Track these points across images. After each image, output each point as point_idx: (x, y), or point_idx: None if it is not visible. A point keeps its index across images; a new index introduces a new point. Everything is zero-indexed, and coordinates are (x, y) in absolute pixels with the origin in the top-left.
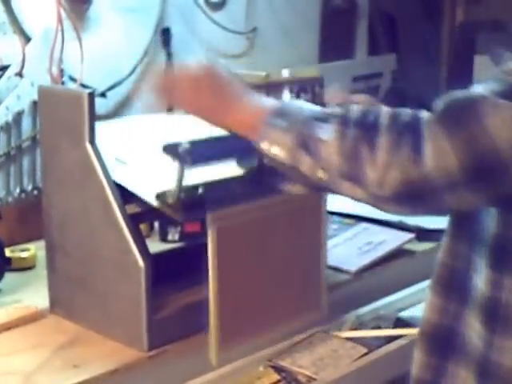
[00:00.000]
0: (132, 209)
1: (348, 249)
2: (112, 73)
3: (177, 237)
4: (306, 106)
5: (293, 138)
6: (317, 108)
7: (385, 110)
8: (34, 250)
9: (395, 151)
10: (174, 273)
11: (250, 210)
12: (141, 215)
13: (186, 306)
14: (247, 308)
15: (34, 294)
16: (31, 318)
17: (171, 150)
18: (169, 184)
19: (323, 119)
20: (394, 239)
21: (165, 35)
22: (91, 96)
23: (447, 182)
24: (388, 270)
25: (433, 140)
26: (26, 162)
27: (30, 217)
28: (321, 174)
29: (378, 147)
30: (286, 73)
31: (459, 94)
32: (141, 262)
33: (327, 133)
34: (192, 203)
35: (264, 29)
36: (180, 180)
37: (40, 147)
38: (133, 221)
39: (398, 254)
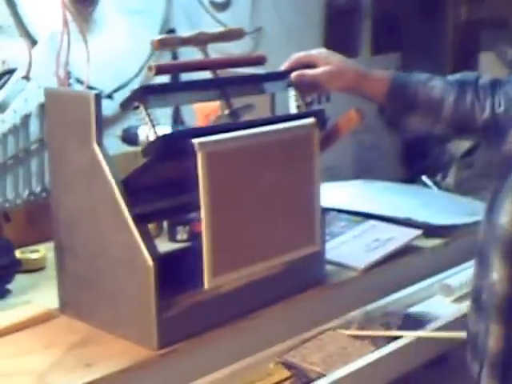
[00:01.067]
0: (141, 209)
1: (356, 246)
2: (118, 74)
3: (185, 236)
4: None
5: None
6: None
7: None
8: (44, 251)
9: None
10: (182, 272)
11: (238, 139)
12: (149, 215)
13: (195, 304)
14: (240, 236)
15: (45, 295)
16: (42, 318)
17: None
18: None
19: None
20: (401, 236)
21: None
22: (98, 97)
23: None
24: (396, 267)
25: None
26: (34, 164)
27: (39, 218)
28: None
29: None
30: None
31: None
32: (150, 262)
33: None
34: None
35: (268, 29)
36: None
37: (48, 149)
38: (141, 221)
39: (405, 250)
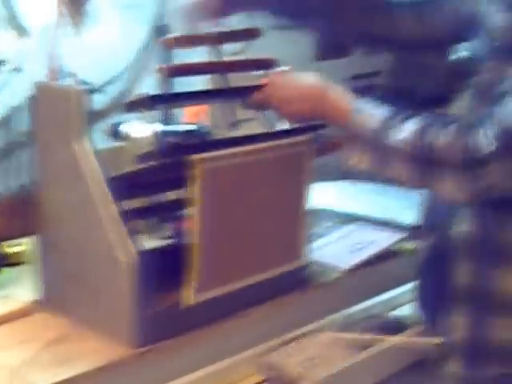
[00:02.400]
0: (124, 206)
1: (340, 247)
2: (109, 68)
3: (170, 233)
4: (369, 124)
5: (371, 157)
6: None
7: (441, 141)
8: (26, 245)
9: (458, 184)
10: (167, 269)
11: (234, 155)
12: (136, 212)
13: (177, 303)
14: (229, 252)
15: (25, 290)
16: (21, 313)
17: None
18: None
19: (387, 147)
20: (386, 238)
21: (162, 32)
22: (83, 93)
23: None
24: (379, 269)
25: (492, 175)
26: (24, 157)
27: (26, 211)
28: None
29: (442, 180)
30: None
31: (508, 122)
32: (130, 259)
33: (395, 165)
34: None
35: (261, 26)
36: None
37: (35, 143)
38: (127, 217)
39: (389, 253)
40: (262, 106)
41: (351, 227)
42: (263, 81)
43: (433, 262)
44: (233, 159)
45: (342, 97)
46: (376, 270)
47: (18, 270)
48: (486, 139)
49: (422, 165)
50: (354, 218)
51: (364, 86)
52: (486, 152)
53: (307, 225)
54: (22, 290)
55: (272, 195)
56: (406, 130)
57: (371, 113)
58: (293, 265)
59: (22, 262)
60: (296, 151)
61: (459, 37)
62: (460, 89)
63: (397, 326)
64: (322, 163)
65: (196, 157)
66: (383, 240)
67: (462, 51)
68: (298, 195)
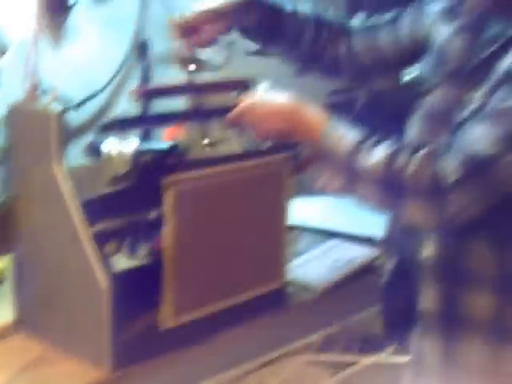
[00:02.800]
0: (99, 228)
1: (318, 265)
2: (88, 84)
3: (146, 253)
4: (340, 146)
5: (341, 179)
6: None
7: (408, 171)
8: (4, 263)
9: (425, 211)
10: (141, 290)
11: (207, 176)
12: (110, 233)
13: (152, 325)
14: (204, 275)
15: (2, 309)
16: None
17: None
18: None
19: (356, 172)
20: (364, 255)
21: (141, 48)
22: (60, 116)
23: None
24: (356, 288)
25: (458, 201)
26: (1, 173)
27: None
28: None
29: (407, 208)
30: (263, 86)
31: (470, 151)
32: (104, 284)
33: (364, 190)
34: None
35: (240, 41)
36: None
37: (12, 163)
38: (101, 239)
39: (366, 270)
40: (237, 126)
41: (330, 244)
42: (237, 101)
43: (398, 284)
44: (207, 180)
45: (314, 116)
46: (353, 289)
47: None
48: (450, 168)
49: (391, 191)
50: (333, 234)
51: (342, 101)
52: (450, 180)
53: (286, 244)
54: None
55: (249, 215)
56: (376, 156)
57: (343, 134)
58: (272, 285)
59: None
60: (273, 170)
61: (408, 60)
62: (411, 111)
63: (375, 346)
64: (299, 177)
65: (169, 179)
66: (361, 258)
67: (410, 73)
68: (277, 214)
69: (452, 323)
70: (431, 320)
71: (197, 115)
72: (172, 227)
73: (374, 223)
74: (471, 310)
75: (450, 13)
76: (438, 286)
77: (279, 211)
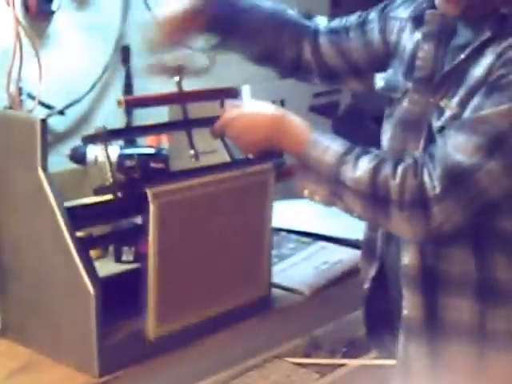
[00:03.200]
0: (84, 234)
1: (304, 269)
2: (71, 90)
3: (131, 257)
4: (325, 158)
5: (325, 190)
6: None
7: (392, 182)
8: None
9: (411, 223)
10: (127, 295)
11: (192, 187)
12: (93, 240)
13: (138, 330)
14: (188, 284)
15: None
16: None
17: None
18: None
19: (341, 183)
20: (350, 258)
21: (124, 53)
22: (44, 122)
23: None
24: (343, 290)
25: (443, 212)
26: None
27: None
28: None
29: (392, 220)
30: (246, 89)
31: (451, 161)
32: (91, 289)
33: (348, 200)
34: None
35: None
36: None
37: None
38: (84, 246)
39: (353, 272)
40: (221, 136)
41: (315, 248)
42: (220, 112)
43: (380, 290)
44: (189, 191)
45: (298, 127)
46: (339, 292)
47: None
48: (434, 179)
49: (376, 203)
50: (317, 237)
51: (325, 103)
52: (434, 192)
53: (270, 251)
54: None
55: (232, 224)
56: (361, 168)
57: (327, 146)
58: (256, 292)
59: None
60: (257, 180)
61: (380, 64)
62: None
63: (360, 349)
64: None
65: (151, 190)
66: (346, 261)
67: (380, 79)
68: (261, 223)
69: (436, 328)
70: (415, 326)
71: (182, 125)
72: (156, 237)
73: (359, 226)
74: (454, 315)
75: (418, 20)
76: (419, 292)
77: (263, 220)
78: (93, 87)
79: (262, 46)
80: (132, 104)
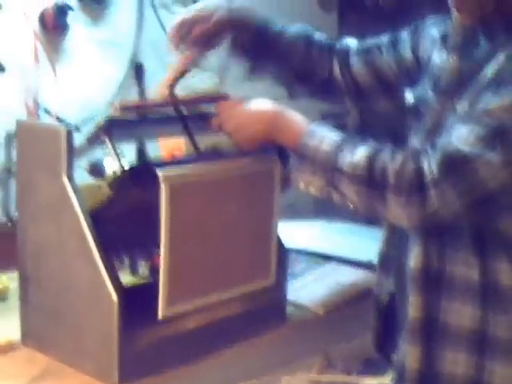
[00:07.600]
0: (108, 242)
1: (317, 288)
2: (86, 106)
3: (147, 271)
4: (322, 146)
5: (321, 180)
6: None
7: (390, 167)
8: (6, 280)
9: (407, 207)
10: (146, 305)
11: (201, 172)
12: (117, 248)
13: (158, 340)
14: (198, 267)
15: (6, 326)
16: (2, 349)
17: None
18: None
19: (337, 169)
20: (364, 278)
21: (138, 70)
22: (69, 132)
23: None
24: (357, 310)
25: (440, 197)
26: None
27: (2, 247)
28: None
29: (388, 205)
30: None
31: (451, 148)
32: (114, 296)
33: (345, 188)
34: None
35: (234, 65)
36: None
37: (16, 180)
38: (108, 254)
39: (366, 293)
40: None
41: (327, 268)
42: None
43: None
44: (200, 176)
45: (296, 119)
46: (353, 312)
47: (2, 306)
48: (432, 164)
49: (373, 188)
50: (329, 258)
51: (333, 125)
52: (432, 176)
53: (276, 243)
54: (3, 326)
55: (241, 212)
56: (358, 155)
57: (324, 135)
58: (262, 283)
59: (3, 299)
60: (263, 169)
61: (408, 81)
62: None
63: (375, 368)
64: (295, 200)
65: (163, 173)
66: (359, 282)
67: (409, 94)
68: (268, 213)
69: (435, 332)
70: (415, 326)
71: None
72: (168, 218)
73: (370, 248)
74: (455, 319)
75: (447, 36)
76: (422, 294)
77: (271, 210)
78: (108, 104)
79: (293, 69)
80: (127, 109)
